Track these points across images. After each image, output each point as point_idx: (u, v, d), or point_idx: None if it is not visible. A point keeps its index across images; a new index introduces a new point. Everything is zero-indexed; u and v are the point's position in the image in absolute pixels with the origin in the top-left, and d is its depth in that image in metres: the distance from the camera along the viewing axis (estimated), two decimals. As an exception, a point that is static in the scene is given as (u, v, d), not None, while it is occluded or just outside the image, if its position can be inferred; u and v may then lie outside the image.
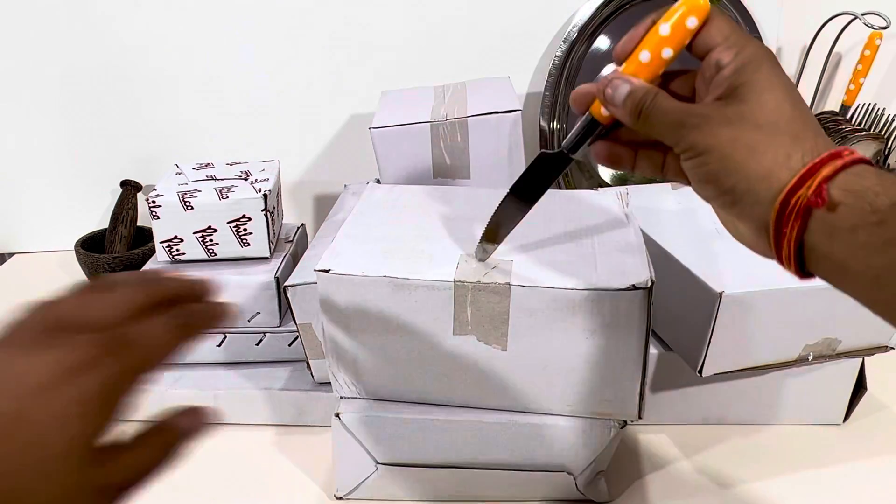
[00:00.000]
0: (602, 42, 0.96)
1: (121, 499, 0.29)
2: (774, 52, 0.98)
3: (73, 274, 0.92)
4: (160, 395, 0.63)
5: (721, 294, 0.53)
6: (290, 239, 0.76)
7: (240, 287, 0.66)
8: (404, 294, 0.48)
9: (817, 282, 0.54)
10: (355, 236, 0.54)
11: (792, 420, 0.64)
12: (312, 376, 0.63)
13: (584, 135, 0.41)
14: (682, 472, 0.59)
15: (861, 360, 0.61)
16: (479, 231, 0.49)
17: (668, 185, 0.74)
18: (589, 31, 0.94)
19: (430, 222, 0.56)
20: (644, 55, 0.38)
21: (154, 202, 0.65)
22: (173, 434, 0.31)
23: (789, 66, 1.01)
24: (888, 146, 0.80)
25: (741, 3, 0.95)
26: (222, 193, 0.66)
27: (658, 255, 0.60)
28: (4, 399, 0.26)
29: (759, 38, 0.97)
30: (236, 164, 0.75)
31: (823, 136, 0.34)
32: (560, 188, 1.00)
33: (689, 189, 0.76)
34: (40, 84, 0.95)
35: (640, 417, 0.51)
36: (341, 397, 0.54)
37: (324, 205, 1.03)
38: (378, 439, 0.53)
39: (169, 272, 0.37)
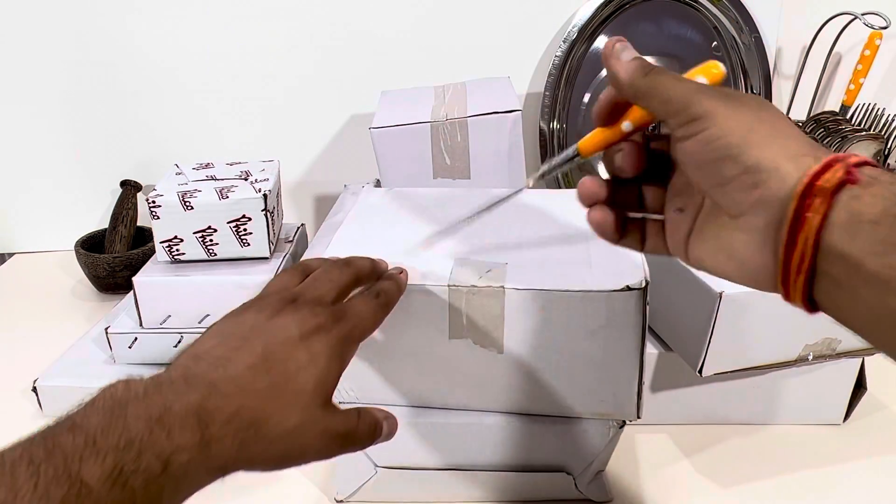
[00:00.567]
0: (602, 42, 0.96)
1: (338, 449, 0.37)
2: (774, 52, 0.99)
3: (73, 274, 0.92)
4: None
5: (721, 294, 0.53)
6: (290, 239, 0.76)
7: (240, 287, 0.66)
8: (400, 300, 0.47)
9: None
10: (351, 241, 0.54)
11: (792, 420, 0.64)
12: (312, 376, 0.63)
13: (561, 162, 0.40)
14: (682, 472, 0.59)
15: (861, 360, 0.61)
16: (475, 235, 0.48)
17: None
18: (589, 31, 0.94)
19: (426, 227, 0.56)
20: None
21: (154, 202, 0.65)
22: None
23: (789, 66, 1.01)
24: (888, 146, 0.80)
25: (741, 3, 0.95)
26: (222, 193, 0.66)
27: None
28: (273, 344, 0.35)
29: (759, 38, 0.97)
30: (236, 164, 0.75)
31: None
32: (560, 188, 1.00)
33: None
34: (40, 84, 0.95)
35: (638, 417, 0.51)
36: (340, 402, 0.54)
37: (324, 205, 1.03)
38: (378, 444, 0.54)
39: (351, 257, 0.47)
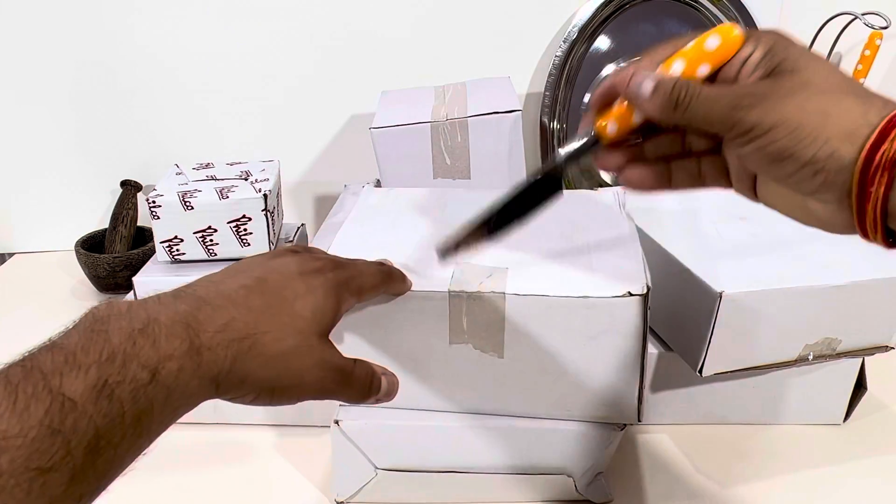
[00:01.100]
0: (602, 42, 0.96)
1: (333, 386, 0.37)
2: (774, 52, 0.98)
3: (73, 274, 0.92)
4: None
5: (721, 294, 0.53)
6: (290, 239, 0.76)
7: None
8: (399, 304, 0.47)
9: (817, 281, 0.55)
10: (351, 246, 0.54)
11: (792, 420, 0.64)
12: (312, 376, 0.63)
13: (580, 149, 0.39)
14: (682, 472, 0.59)
15: (861, 360, 0.61)
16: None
17: (668, 185, 0.74)
18: (589, 31, 0.94)
19: (426, 229, 0.56)
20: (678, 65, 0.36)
21: (154, 202, 0.65)
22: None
23: (789, 66, 1.01)
24: (888, 146, 0.80)
25: (741, 3, 0.95)
26: (222, 193, 0.66)
27: (658, 255, 0.60)
28: (271, 273, 0.37)
29: (759, 38, 0.97)
30: (236, 164, 0.75)
31: (888, 98, 0.32)
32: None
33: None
34: (41, 84, 0.95)
35: (639, 421, 0.51)
36: (340, 405, 0.54)
37: (324, 205, 1.03)
38: (377, 445, 0.53)
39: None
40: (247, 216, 0.66)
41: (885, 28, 0.89)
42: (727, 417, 0.64)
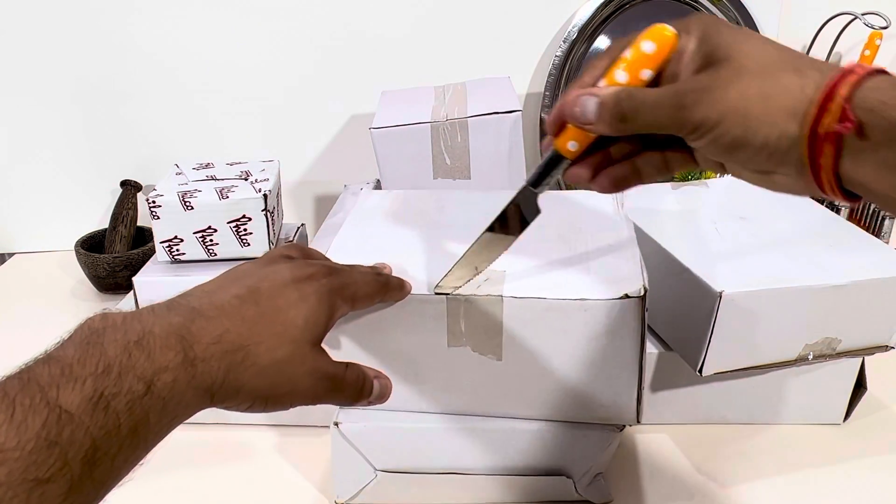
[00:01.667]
0: (602, 42, 0.96)
1: (326, 393, 0.37)
2: (774, 52, 0.98)
3: (73, 274, 0.92)
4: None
5: (721, 294, 0.53)
6: (290, 239, 0.76)
7: (240, 287, 0.66)
8: (397, 307, 0.47)
9: (817, 281, 0.55)
10: (348, 249, 0.54)
11: (792, 420, 0.64)
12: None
13: (545, 170, 0.40)
14: (682, 472, 0.59)
15: (861, 359, 0.61)
16: (473, 239, 0.48)
17: (668, 185, 0.74)
18: (589, 31, 0.95)
19: (424, 232, 0.56)
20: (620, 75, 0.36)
21: (154, 202, 0.65)
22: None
23: (789, 66, 1.01)
24: (888, 146, 0.80)
25: (741, 3, 0.95)
26: (222, 193, 0.66)
27: (658, 255, 0.60)
28: (264, 281, 0.37)
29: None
30: (236, 164, 0.75)
31: (823, 62, 0.32)
32: (560, 188, 1.00)
33: (688, 189, 0.77)
34: (40, 84, 0.95)
35: (638, 422, 0.51)
36: (340, 407, 0.54)
37: (324, 205, 1.03)
38: (377, 447, 0.53)
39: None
40: (247, 216, 0.66)
41: (885, 28, 0.89)
42: (727, 417, 0.64)
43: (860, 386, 0.62)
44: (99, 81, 0.95)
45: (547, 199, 0.62)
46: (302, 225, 0.81)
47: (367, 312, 0.48)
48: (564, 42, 0.94)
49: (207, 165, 0.75)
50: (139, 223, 0.92)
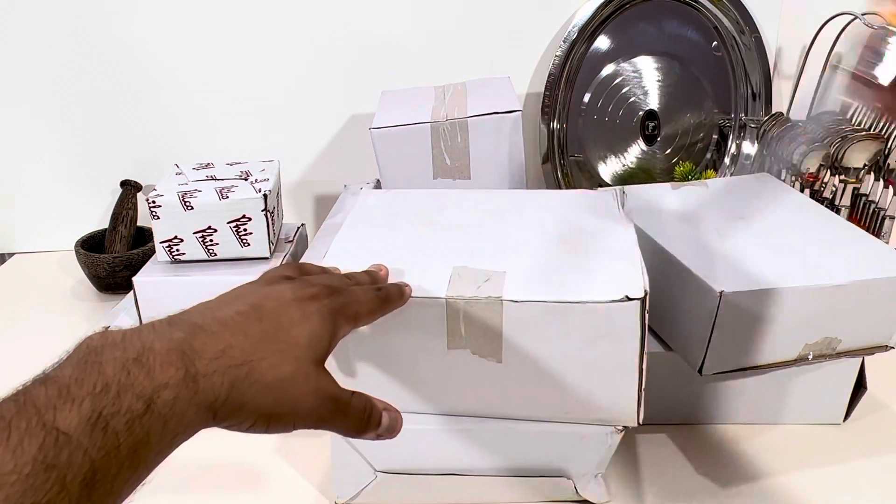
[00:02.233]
0: (602, 42, 0.96)
1: (329, 415, 0.36)
2: (774, 51, 0.99)
3: (73, 274, 0.92)
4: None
5: (721, 294, 0.53)
6: (290, 239, 0.76)
7: (240, 287, 0.66)
8: (398, 311, 0.47)
9: (817, 281, 0.55)
10: (348, 250, 0.53)
11: (792, 420, 0.64)
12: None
13: None
14: (682, 472, 0.59)
15: (861, 359, 0.61)
16: (473, 240, 0.48)
17: (668, 185, 0.74)
18: (589, 31, 0.94)
19: (423, 232, 0.55)
20: None
21: (154, 202, 0.65)
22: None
23: (789, 66, 1.01)
24: (888, 146, 0.80)
25: (741, 3, 0.95)
26: (222, 193, 0.66)
27: (658, 255, 0.60)
28: (267, 300, 0.37)
29: (759, 38, 0.97)
30: (236, 164, 0.75)
31: None
32: (560, 188, 1.00)
33: (688, 189, 0.77)
34: (40, 84, 0.95)
35: (639, 424, 0.51)
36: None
37: (324, 205, 1.03)
38: (376, 448, 0.53)
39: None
40: (247, 216, 0.66)
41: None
42: (727, 417, 0.64)
43: (860, 386, 0.62)
44: (99, 81, 0.95)
45: (547, 198, 0.62)
46: (302, 225, 0.81)
47: None
48: (564, 42, 0.94)
49: (207, 165, 0.75)
50: (139, 223, 0.92)
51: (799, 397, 0.62)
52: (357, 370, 0.51)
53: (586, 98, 0.98)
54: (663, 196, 0.72)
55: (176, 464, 0.33)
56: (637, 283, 0.46)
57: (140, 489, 0.30)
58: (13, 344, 0.80)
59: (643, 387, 0.49)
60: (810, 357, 0.58)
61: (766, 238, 0.62)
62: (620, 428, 0.52)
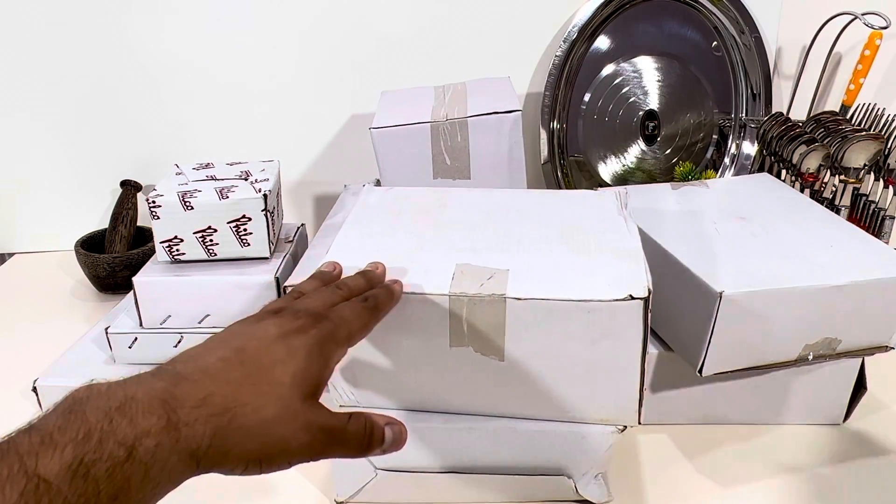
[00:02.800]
0: (602, 42, 0.96)
1: (324, 447, 0.36)
2: (774, 51, 0.99)
3: (73, 274, 0.92)
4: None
5: (721, 294, 0.53)
6: (290, 239, 0.76)
7: (240, 287, 0.66)
8: (400, 307, 0.47)
9: (817, 281, 0.55)
10: (351, 246, 0.53)
11: (792, 420, 0.64)
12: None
13: None
14: (682, 472, 0.59)
15: (861, 360, 0.61)
16: (476, 238, 0.48)
17: (668, 185, 0.74)
18: (589, 31, 0.95)
19: (426, 230, 0.55)
20: None
21: (154, 202, 0.65)
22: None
23: (789, 66, 1.01)
24: (888, 146, 0.80)
25: (741, 3, 0.95)
26: (222, 193, 0.66)
27: (658, 255, 0.60)
28: (250, 341, 0.36)
29: (759, 38, 0.97)
30: (236, 164, 0.75)
31: None
32: (560, 188, 1.00)
33: (688, 189, 0.76)
34: (40, 84, 0.95)
35: (639, 423, 0.51)
36: (340, 406, 0.54)
37: (324, 205, 1.03)
38: None
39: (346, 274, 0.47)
40: (247, 216, 0.66)
41: (885, 28, 0.89)
42: (727, 417, 0.64)
43: (860, 386, 0.62)
44: (99, 81, 0.95)
45: (550, 198, 0.62)
46: (302, 225, 0.81)
47: None
48: (564, 42, 0.94)
49: (207, 165, 0.75)
50: (139, 223, 0.92)
51: (799, 397, 0.62)
52: (358, 369, 0.52)
53: (586, 98, 0.98)
54: (663, 196, 0.72)
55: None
56: (641, 282, 0.46)
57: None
58: (13, 344, 0.80)
59: (644, 386, 0.49)
60: (810, 357, 0.58)
61: (766, 238, 0.62)
62: (621, 427, 0.52)
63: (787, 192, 0.72)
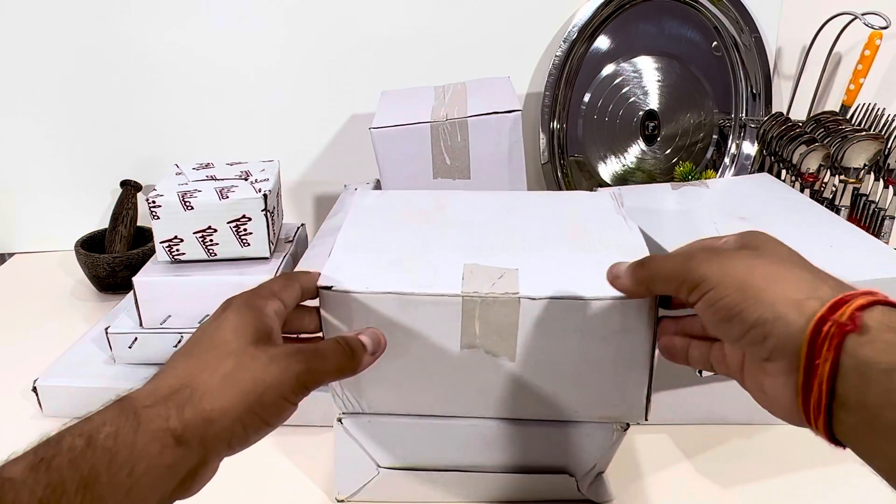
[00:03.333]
0: (602, 42, 0.96)
1: (304, 372, 0.36)
2: (774, 51, 0.99)
3: (73, 274, 0.92)
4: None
5: (721, 294, 0.53)
6: (290, 239, 0.76)
7: (240, 287, 0.65)
8: (410, 310, 0.46)
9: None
10: (354, 247, 0.52)
11: (792, 420, 0.64)
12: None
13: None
14: (682, 472, 0.59)
15: (861, 360, 0.61)
16: (479, 239, 0.47)
17: (668, 185, 0.74)
18: (589, 31, 0.95)
19: (427, 230, 0.54)
20: None
21: (154, 202, 0.65)
22: None
23: (789, 66, 1.01)
24: (888, 146, 0.80)
25: (741, 3, 0.95)
26: (222, 193, 0.66)
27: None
28: (198, 332, 0.37)
29: (759, 38, 0.97)
30: (236, 164, 0.75)
31: (844, 282, 0.32)
32: (560, 188, 1.00)
33: (688, 189, 0.76)
34: (40, 84, 0.95)
35: (646, 419, 0.51)
36: (343, 412, 0.53)
37: (324, 205, 1.03)
38: (380, 443, 0.53)
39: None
40: (247, 216, 0.66)
41: (885, 28, 0.90)
42: (727, 417, 0.64)
43: (860, 386, 0.62)
44: (98, 81, 0.95)
45: (546, 199, 0.62)
46: (302, 225, 0.81)
47: (378, 313, 0.47)
48: (564, 42, 0.94)
49: (207, 165, 0.75)
50: (139, 223, 0.92)
51: (799, 397, 0.62)
52: (361, 377, 0.50)
53: (586, 98, 0.98)
54: (663, 196, 0.72)
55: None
56: None
57: None
58: (13, 344, 0.80)
59: (652, 382, 0.49)
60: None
61: (766, 238, 0.62)
62: (625, 425, 0.52)
63: (787, 192, 0.72)
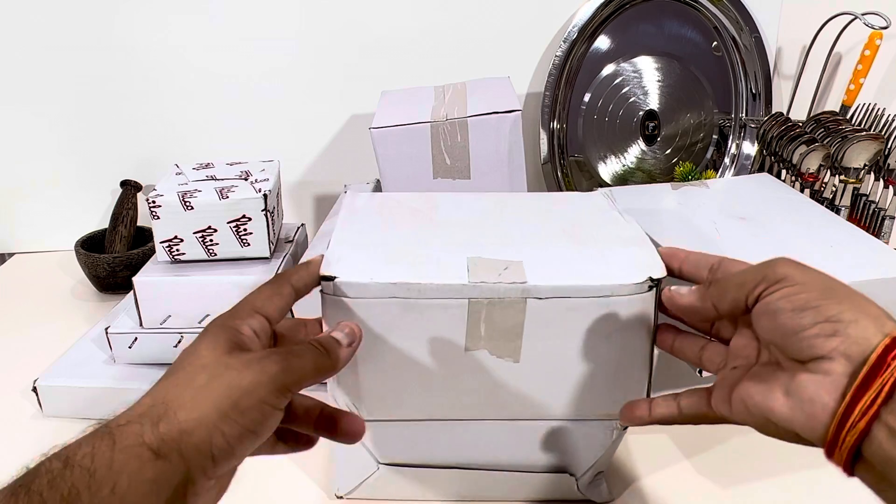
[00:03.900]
0: (602, 42, 0.96)
1: (281, 371, 0.35)
2: (774, 51, 0.99)
3: (73, 274, 0.92)
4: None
5: (721, 294, 0.53)
6: (290, 239, 0.76)
7: (240, 287, 0.66)
8: (415, 313, 0.45)
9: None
10: (352, 243, 0.50)
11: (792, 420, 0.63)
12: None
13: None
14: (682, 472, 0.59)
15: (861, 360, 0.61)
16: (477, 235, 0.47)
17: (668, 185, 0.74)
18: (589, 31, 0.95)
19: (425, 227, 0.54)
20: None
21: (154, 202, 0.65)
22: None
23: (789, 66, 1.01)
24: (888, 146, 0.80)
25: (741, 3, 0.95)
26: (222, 193, 0.66)
27: (658, 255, 0.59)
28: (181, 355, 0.37)
29: (759, 38, 0.97)
30: (236, 164, 0.75)
31: None
32: (560, 188, 1.00)
33: (688, 189, 0.76)
34: (40, 84, 0.95)
35: None
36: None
37: (324, 205, 1.03)
38: (379, 440, 0.53)
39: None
40: (247, 216, 0.66)
41: (885, 28, 0.90)
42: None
43: (860, 386, 0.62)
44: (98, 81, 0.95)
45: (542, 199, 0.62)
46: (302, 225, 0.81)
47: (378, 315, 0.46)
48: (564, 42, 0.94)
49: (207, 165, 0.75)
50: (139, 223, 0.92)
51: (799, 397, 0.62)
52: (360, 381, 0.50)
53: (586, 98, 0.98)
54: (663, 196, 0.72)
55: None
56: (657, 264, 0.46)
57: None
58: (13, 344, 0.80)
59: (652, 379, 0.49)
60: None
61: (766, 238, 0.62)
62: (624, 425, 0.51)
63: (787, 192, 0.72)
